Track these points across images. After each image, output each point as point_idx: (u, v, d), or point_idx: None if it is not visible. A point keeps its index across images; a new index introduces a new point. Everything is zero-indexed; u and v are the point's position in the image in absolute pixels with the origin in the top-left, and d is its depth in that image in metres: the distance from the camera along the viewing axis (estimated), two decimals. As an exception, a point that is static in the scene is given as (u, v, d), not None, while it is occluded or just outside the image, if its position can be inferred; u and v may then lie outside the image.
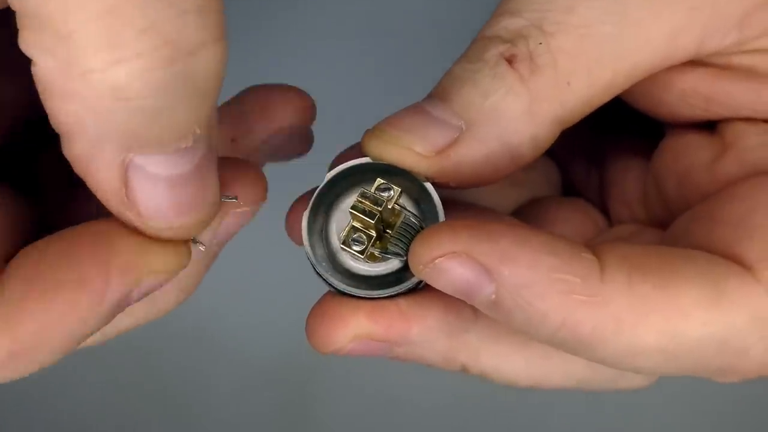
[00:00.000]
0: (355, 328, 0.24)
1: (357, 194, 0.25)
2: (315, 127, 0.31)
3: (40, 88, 0.19)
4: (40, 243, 0.21)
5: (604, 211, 0.33)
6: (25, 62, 0.19)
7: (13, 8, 0.18)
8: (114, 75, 0.17)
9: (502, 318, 0.23)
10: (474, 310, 0.25)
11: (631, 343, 0.22)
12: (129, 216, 0.21)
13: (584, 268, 0.22)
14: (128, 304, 0.21)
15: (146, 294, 0.21)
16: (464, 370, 0.26)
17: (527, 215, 0.32)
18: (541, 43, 0.25)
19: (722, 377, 0.25)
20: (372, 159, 0.25)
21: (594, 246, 0.23)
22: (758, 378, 0.25)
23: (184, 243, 0.22)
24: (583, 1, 0.25)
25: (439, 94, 0.26)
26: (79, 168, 0.20)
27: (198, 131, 0.19)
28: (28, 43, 0.18)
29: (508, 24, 0.26)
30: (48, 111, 0.19)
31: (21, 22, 0.18)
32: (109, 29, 0.17)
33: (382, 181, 0.25)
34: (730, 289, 0.23)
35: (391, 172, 0.25)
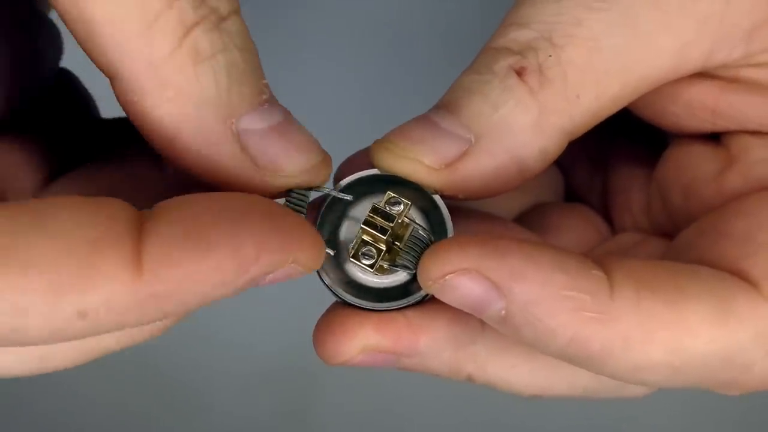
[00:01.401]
0: (364, 340, 0.24)
1: (366, 206, 0.25)
2: (317, 133, 0.31)
3: (133, 106, 0.22)
4: (204, 196, 0.21)
5: (606, 216, 0.33)
6: None
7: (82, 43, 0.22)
8: (188, 42, 0.22)
9: (511, 333, 0.23)
10: (480, 321, 0.25)
11: (639, 359, 0.23)
12: (262, 177, 0.23)
13: (593, 284, 0.22)
14: (253, 285, 0.21)
15: (269, 282, 0.21)
16: (470, 380, 0.27)
17: (531, 222, 0.32)
18: (551, 56, 0.25)
19: (725, 390, 0.25)
20: (381, 171, 0.25)
21: (601, 260, 0.23)
22: (760, 391, 0.25)
23: (322, 245, 0.22)
24: (591, 13, 0.25)
25: (447, 105, 0.25)
26: (202, 164, 0.23)
27: (265, 81, 0.23)
28: (112, 57, 0.22)
29: (518, 35, 0.26)
30: (148, 127, 0.22)
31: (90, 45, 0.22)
32: (171, 11, 0.21)
33: (393, 194, 0.25)
34: (737, 306, 0.23)
35: (399, 182, 0.25)
